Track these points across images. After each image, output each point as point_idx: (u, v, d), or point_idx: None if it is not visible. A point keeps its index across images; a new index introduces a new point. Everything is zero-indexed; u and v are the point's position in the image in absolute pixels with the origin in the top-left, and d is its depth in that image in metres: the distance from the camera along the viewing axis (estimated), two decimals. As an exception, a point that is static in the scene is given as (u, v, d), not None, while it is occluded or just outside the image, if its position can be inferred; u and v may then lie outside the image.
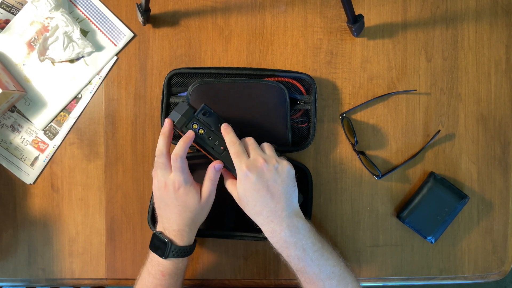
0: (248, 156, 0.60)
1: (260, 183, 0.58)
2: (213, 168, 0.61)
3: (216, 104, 0.67)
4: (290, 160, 0.72)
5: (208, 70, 0.69)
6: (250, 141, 0.62)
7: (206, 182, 0.62)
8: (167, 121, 0.62)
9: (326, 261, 0.59)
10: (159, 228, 0.63)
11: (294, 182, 0.61)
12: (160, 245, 0.61)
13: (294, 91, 0.70)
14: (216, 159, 0.62)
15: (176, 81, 0.70)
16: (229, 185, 0.62)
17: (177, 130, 0.63)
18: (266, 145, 0.62)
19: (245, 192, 0.59)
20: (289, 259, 0.60)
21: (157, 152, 0.61)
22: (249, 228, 0.70)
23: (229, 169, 0.62)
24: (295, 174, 0.61)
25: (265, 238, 0.66)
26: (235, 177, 0.61)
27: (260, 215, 0.59)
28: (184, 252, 0.61)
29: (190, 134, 0.61)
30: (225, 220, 0.69)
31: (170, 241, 0.61)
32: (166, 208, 0.61)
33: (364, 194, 0.74)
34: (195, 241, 0.64)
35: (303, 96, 0.70)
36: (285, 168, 0.60)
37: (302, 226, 0.59)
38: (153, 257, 0.62)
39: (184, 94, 0.70)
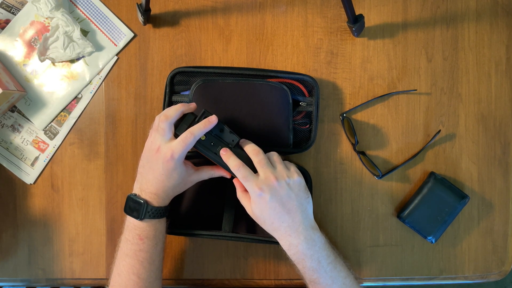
0: (256, 172, 0.60)
1: (275, 202, 0.58)
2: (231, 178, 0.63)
3: (218, 103, 0.67)
4: (290, 161, 0.72)
5: (211, 70, 0.69)
6: (259, 156, 0.60)
7: (210, 172, 0.64)
8: (193, 103, 0.63)
9: (338, 273, 0.61)
10: (135, 190, 0.62)
11: (307, 193, 0.62)
12: (136, 207, 0.60)
13: (297, 92, 0.70)
14: (219, 163, 0.62)
15: (178, 79, 0.70)
16: (243, 199, 0.62)
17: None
18: (275, 157, 0.62)
19: (261, 212, 0.59)
20: (304, 270, 0.60)
21: (162, 117, 0.59)
22: (248, 230, 0.70)
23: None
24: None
25: (263, 241, 0.67)
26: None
27: (278, 231, 0.60)
28: (160, 212, 0.61)
29: (213, 118, 0.60)
30: (223, 222, 0.69)
31: (146, 201, 0.60)
32: (150, 170, 0.60)
33: (364, 194, 0.74)
34: (169, 204, 0.64)
35: (305, 98, 0.70)
36: (296, 181, 0.60)
37: (318, 239, 0.60)
38: (128, 222, 0.62)
39: (187, 92, 0.70)
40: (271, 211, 0.58)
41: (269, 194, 0.58)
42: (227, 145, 0.61)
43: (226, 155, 0.60)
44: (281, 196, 0.58)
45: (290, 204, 0.59)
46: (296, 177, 0.60)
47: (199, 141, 0.60)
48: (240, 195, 0.62)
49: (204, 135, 0.60)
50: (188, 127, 0.60)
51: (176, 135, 0.60)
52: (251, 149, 0.61)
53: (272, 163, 0.61)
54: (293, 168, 0.62)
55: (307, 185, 0.70)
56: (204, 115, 0.61)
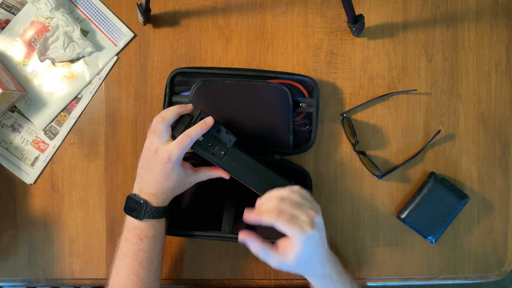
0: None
1: (320, 237, 0.55)
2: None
3: (218, 104, 0.67)
4: (290, 162, 0.72)
5: (211, 70, 0.69)
6: (297, 191, 0.57)
7: (209, 173, 0.63)
8: (190, 105, 0.62)
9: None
10: (135, 190, 0.62)
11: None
12: (135, 206, 0.60)
13: (297, 93, 0.70)
14: (217, 164, 0.62)
15: (179, 80, 0.70)
16: (269, 251, 0.54)
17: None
18: (304, 192, 0.58)
19: (310, 254, 0.55)
20: None
21: (159, 119, 0.59)
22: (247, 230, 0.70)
23: (232, 174, 0.62)
24: (291, 182, 0.61)
25: None
26: (272, 244, 0.55)
27: (317, 267, 0.57)
28: (159, 212, 0.61)
29: (209, 120, 0.59)
30: (223, 222, 0.69)
31: (145, 201, 0.60)
32: (148, 172, 0.60)
33: (364, 194, 0.74)
34: (169, 204, 0.63)
35: (305, 99, 0.70)
36: (320, 206, 0.58)
37: (333, 255, 0.60)
38: (128, 222, 0.61)
39: (187, 93, 0.70)
40: (317, 248, 0.55)
41: (317, 231, 0.54)
42: (224, 145, 0.61)
43: (258, 209, 0.55)
44: (320, 229, 0.55)
45: (324, 234, 0.57)
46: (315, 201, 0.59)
47: (197, 142, 0.60)
48: (261, 250, 0.54)
49: (202, 136, 0.60)
50: (185, 128, 0.60)
51: (173, 137, 0.60)
52: (276, 194, 0.57)
53: (299, 199, 0.57)
54: (307, 193, 0.59)
55: (307, 186, 0.71)
56: (200, 116, 0.60)
